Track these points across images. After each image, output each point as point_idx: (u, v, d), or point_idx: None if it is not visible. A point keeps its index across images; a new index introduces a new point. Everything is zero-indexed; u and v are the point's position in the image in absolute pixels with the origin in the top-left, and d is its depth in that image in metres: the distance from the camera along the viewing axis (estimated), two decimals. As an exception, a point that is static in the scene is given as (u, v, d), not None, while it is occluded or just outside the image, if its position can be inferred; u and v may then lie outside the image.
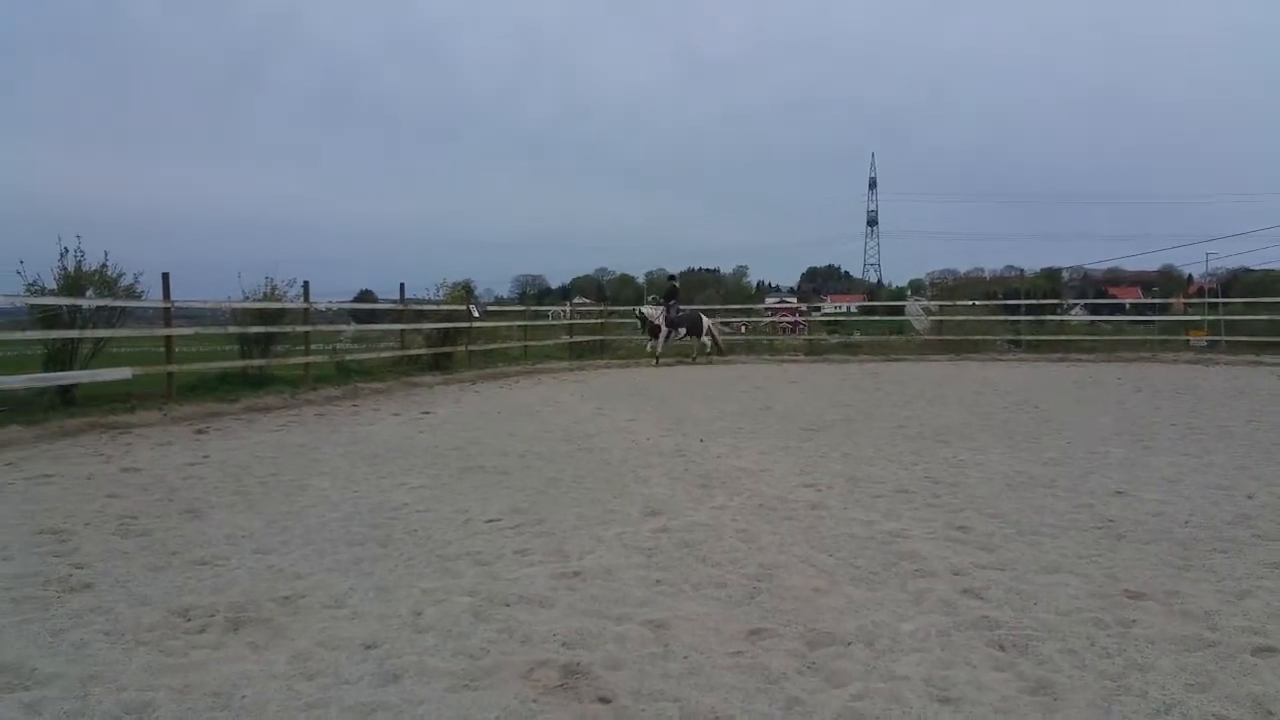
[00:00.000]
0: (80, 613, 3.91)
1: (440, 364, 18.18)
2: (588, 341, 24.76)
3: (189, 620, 3.81)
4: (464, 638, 3.59)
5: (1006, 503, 5.99)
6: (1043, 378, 17.20)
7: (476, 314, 19.60)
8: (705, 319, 23.70)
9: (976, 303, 26.83)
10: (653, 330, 22.72)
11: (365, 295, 39.73)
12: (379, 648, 3.48)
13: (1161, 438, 8.94)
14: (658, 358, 22.22)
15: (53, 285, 11.55)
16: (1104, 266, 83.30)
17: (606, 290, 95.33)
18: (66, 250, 11.62)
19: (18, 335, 11.44)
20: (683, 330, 22.83)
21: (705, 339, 23.41)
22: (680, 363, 23.01)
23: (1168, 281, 79.25)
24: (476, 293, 20.77)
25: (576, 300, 46.06)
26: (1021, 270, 36.39)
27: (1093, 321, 32.47)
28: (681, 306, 23.81)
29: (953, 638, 3.54)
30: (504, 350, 21.59)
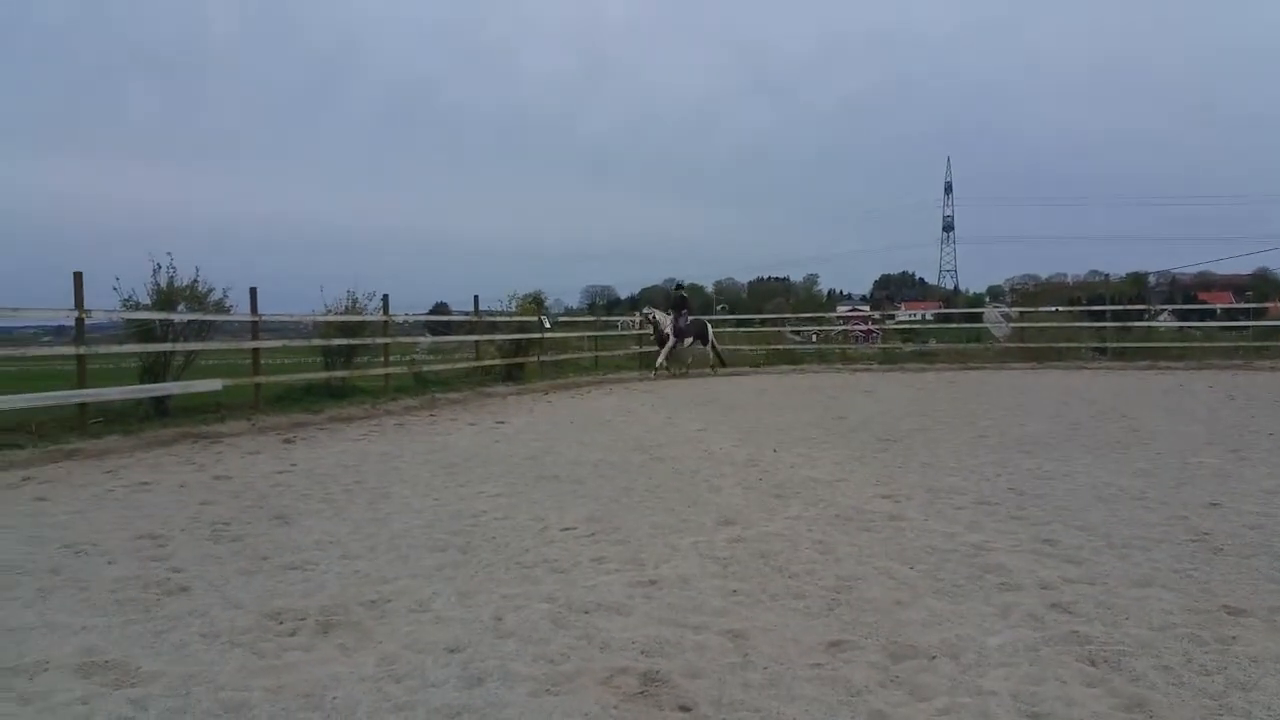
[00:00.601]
0: (179, 615, 4.08)
1: (513, 374, 18.43)
2: (657, 351, 24.77)
3: (281, 623, 3.94)
4: (544, 643, 3.64)
5: (1095, 515, 5.82)
6: (1130, 386, 16.66)
7: (548, 325, 19.80)
8: (709, 327, 23.00)
9: (1059, 309, 26.07)
10: (660, 339, 21.49)
11: (440, 308, 40.41)
12: (462, 652, 3.55)
13: (1258, 448, 8.58)
14: (657, 368, 21.14)
15: (147, 300, 12.04)
16: (1193, 270, 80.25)
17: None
18: (159, 267, 12.13)
19: (115, 349, 11.95)
20: (689, 339, 21.65)
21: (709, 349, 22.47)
22: (674, 377, 21.42)
23: (1263, 285, 75.85)
24: (547, 304, 20.97)
25: (645, 310, 46.20)
26: (1106, 275, 35.32)
27: (1181, 328, 31.28)
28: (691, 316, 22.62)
29: (1041, 653, 3.45)
30: (575, 360, 21.78)
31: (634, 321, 25.82)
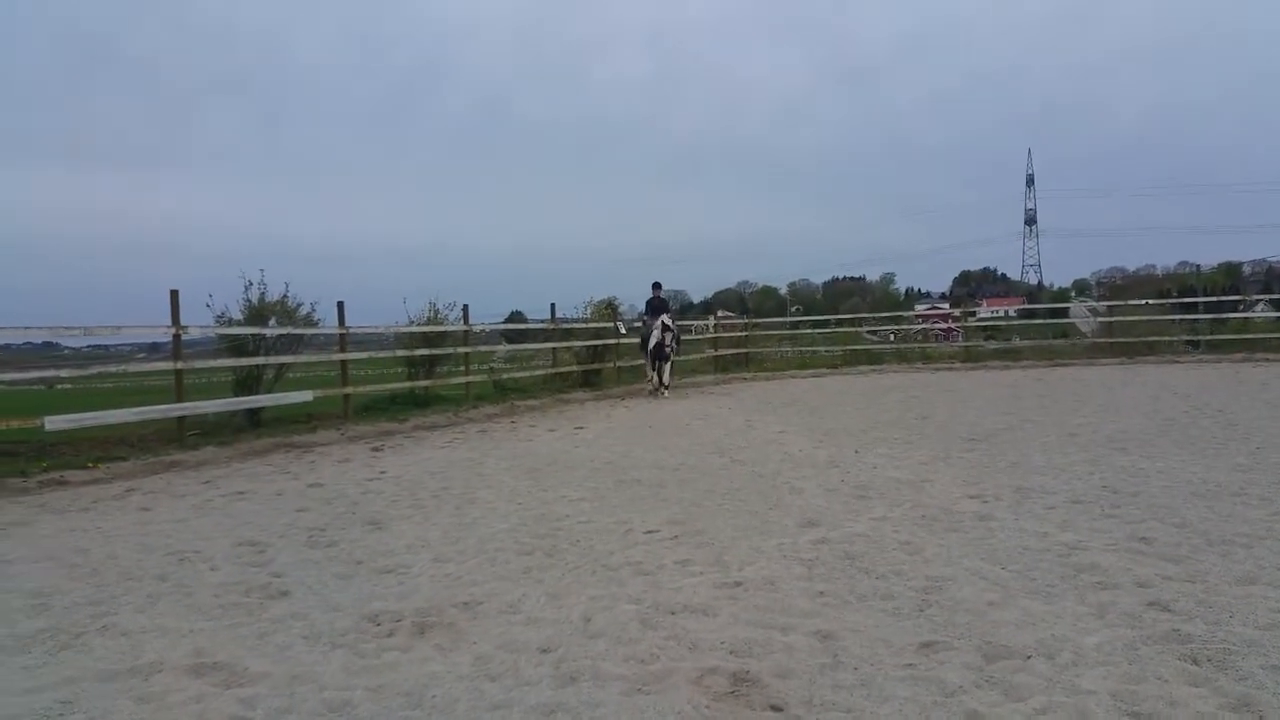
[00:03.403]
0: (281, 618, 4.24)
1: (590, 380, 18.59)
2: (732, 355, 24.74)
3: (378, 625, 4.07)
4: (633, 644, 3.68)
5: (1192, 512, 5.63)
6: (1226, 379, 15.99)
7: (623, 330, 19.91)
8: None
9: (1150, 301, 25.14)
10: (658, 352, 17.36)
11: (515, 316, 40.97)
12: (554, 652, 3.62)
13: (1370, 442, 8.17)
14: (665, 386, 17.55)
15: (239, 316, 12.51)
16: (1294, 258, 76.53)
17: (749, 303, 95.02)
18: (251, 283, 12.60)
19: (212, 364, 12.44)
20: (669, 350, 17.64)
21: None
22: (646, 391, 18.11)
23: (1369, 270, 72.00)
24: (621, 309, 21.00)
25: (720, 314, 46.09)
26: (1197, 266, 33.94)
27: (1279, 318, 29.83)
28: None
29: (1140, 651, 3.37)
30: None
31: (707, 326, 24.37)
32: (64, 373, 11.89)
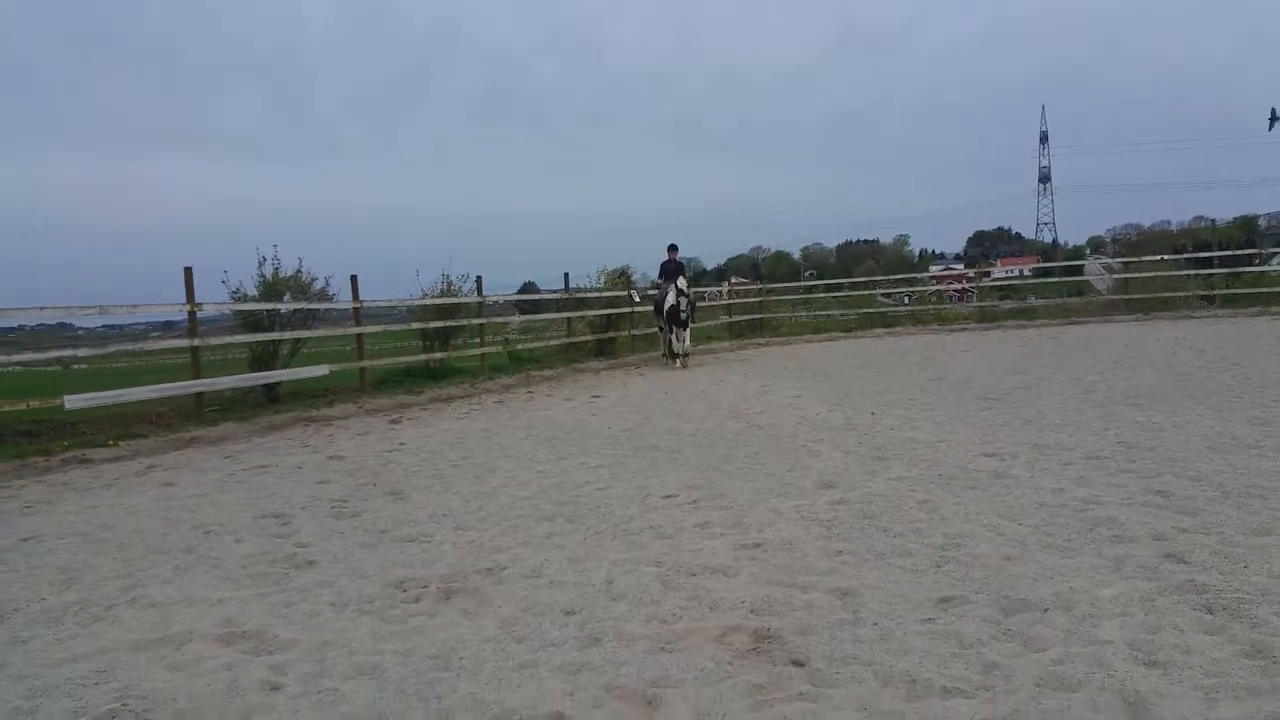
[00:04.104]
0: (308, 586, 4.32)
1: (604, 349, 18.61)
2: (746, 320, 24.71)
3: (404, 591, 4.14)
4: (655, 604, 3.74)
5: (1208, 465, 5.63)
6: (1241, 334, 15.88)
7: (637, 299, 19.89)
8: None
9: (1165, 258, 24.90)
10: (674, 316, 16.35)
11: (528, 287, 40.94)
12: (578, 614, 3.68)
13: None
14: (684, 354, 16.54)
15: (253, 292, 12.56)
16: (1311, 210, 75.58)
17: (762, 268, 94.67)
18: (264, 259, 12.64)
19: (228, 340, 12.53)
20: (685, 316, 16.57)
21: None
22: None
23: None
24: (634, 278, 20.90)
25: (734, 280, 46.01)
26: (1213, 220, 33.60)
27: (1294, 271, 29.50)
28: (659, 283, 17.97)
29: (1156, 602, 3.40)
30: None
31: (721, 292, 23.44)
32: (81, 352, 11.95)
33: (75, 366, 28.13)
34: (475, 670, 3.17)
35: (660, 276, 17.70)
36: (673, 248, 17.38)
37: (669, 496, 5.75)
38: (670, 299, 16.24)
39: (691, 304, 16.80)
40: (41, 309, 10.00)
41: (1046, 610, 3.39)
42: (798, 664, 3.07)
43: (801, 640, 3.26)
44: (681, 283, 16.29)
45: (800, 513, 5.11)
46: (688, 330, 16.54)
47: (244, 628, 3.77)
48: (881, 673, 2.94)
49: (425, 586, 4.17)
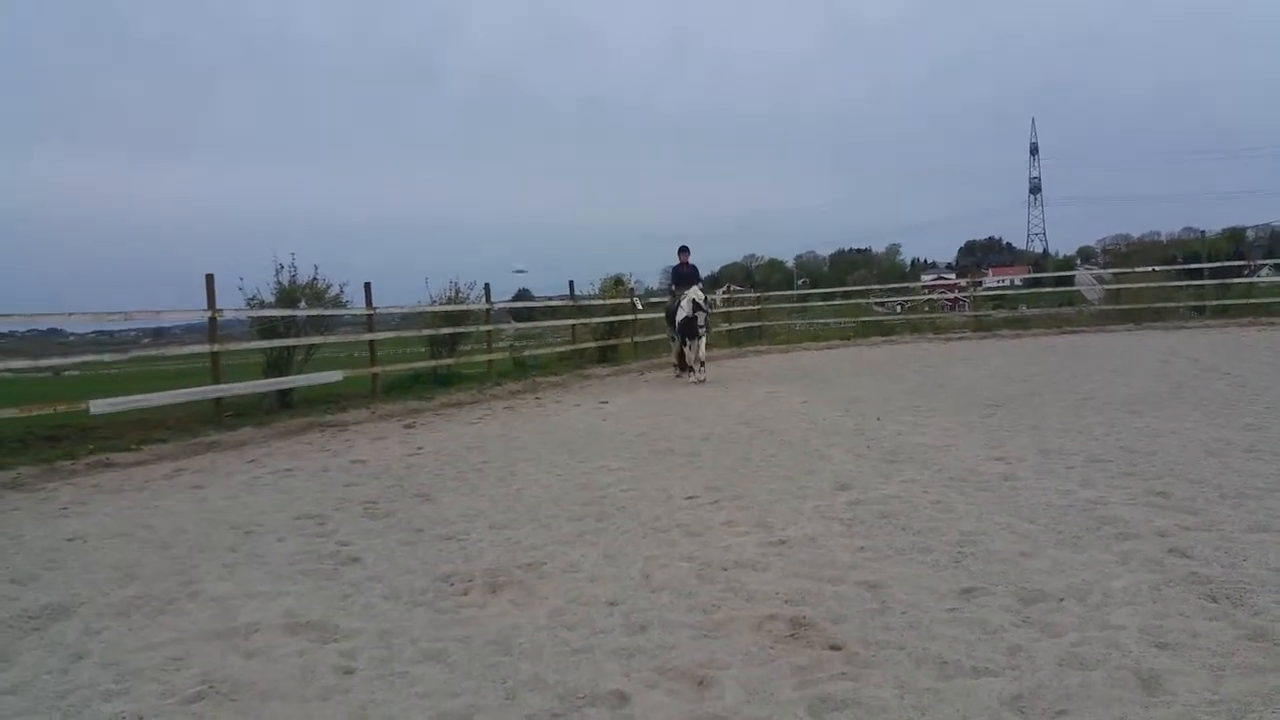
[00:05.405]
0: (358, 581, 4.55)
1: (607, 356, 18.87)
2: (744, 328, 24.98)
3: (452, 585, 4.37)
4: (693, 596, 3.98)
5: (1207, 468, 5.90)
6: (1233, 344, 16.23)
7: (639, 306, 20.16)
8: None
9: (1156, 268, 25.29)
10: (688, 328, 14.91)
11: (522, 294, 41.15)
12: (621, 605, 3.92)
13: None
14: (699, 365, 15.01)
15: (270, 299, 12.78)
16: (1297, 222, 76.24)
17: (756, 276, 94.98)
18: (282, 266, 12.88)
19: (247, 345, 12.74)
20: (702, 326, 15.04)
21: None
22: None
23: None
24: (630, 285, 21.13)
25: (730, 287, 46.23)
26: (1204, 232, 34.00)
27: (1283, 282, 29.86)
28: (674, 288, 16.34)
29: (1163, 592, 3.66)
30: (666, 340, 22.08)
31: (716, 300, 22.21)
32: (107, 357, 12.16)
33: (66, 374, 27.84)
34: (534, 654, 3.41)
35: (673, 283, 16.31)
36: (684, 249, 16.01)
37: (691, 497, 5.99)
38: (685, 310, 14.74)
39: (708, 315, 15.46)
40: (70, 315, 10.19)
41: (1062, 600, 3.65)
42: (835, 648, 3.31)
43: (836, 627, 3.51)
44: (698, 293, 14.93)
45: (820, 512, 5.36)
46: (703, 340, 15.02)
47: (307, 619, 4.00)
48: (914, 655, 3.19)
49: (471, 580, 4.40)
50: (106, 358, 12.27)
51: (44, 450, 9.32)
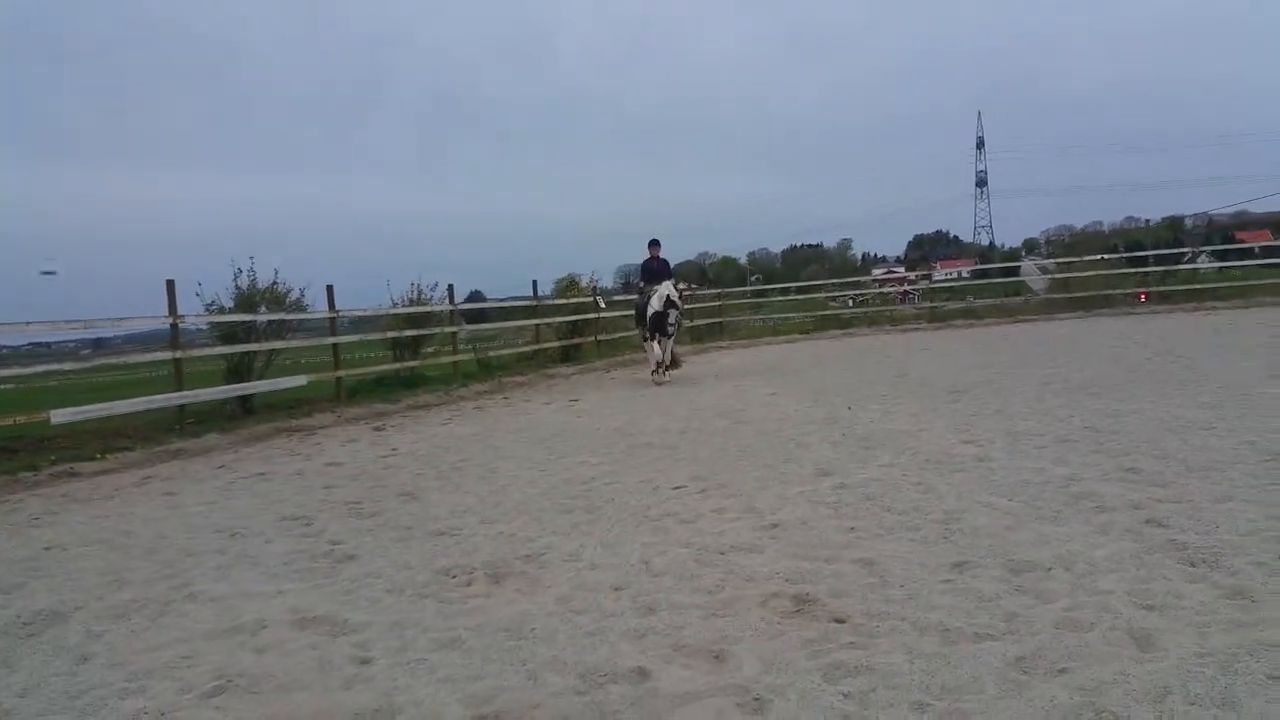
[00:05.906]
0: (358, 577, 4.57)
1: (570, 355, 18.91)
2: (706, 324, 25.17)
3: (454, 577, 4.42)
4: (696, 579, 4.08)
5: (1170, 444, 6.16)
6: (1180, 327, 16.78)
7: (603, 305, 20.20)
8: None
9: (1105, 257, 25.99)
10: (658, 324, 14.29)
11: (475, 296, 41.06)
12: (627, 589, 4.00)
13: (1321, 377, 8.81)
14: (665, 365, 14.53)
15: (229, 304, 12.59)
16: (1231, 210, 78.84)
17: (709, 273, 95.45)
18: (240, 271, 12.69)
19: (208, 351, 12.52)
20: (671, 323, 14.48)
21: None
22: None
23: (1303, 219, 74.38)
24: (582, 285, 21.07)
25: (681, 286, 46.45)
26: (1148, 221, 35.08)
27: (1221, 268, 30.91)
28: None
29: (1145, 559, 3.85)
30: (627, 339, 22.20)
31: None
32: (66, 366, 11.92)
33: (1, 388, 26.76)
34: (549, 638, 3.48)
35: (643, 278, 15.59)
36: (654, 243, 15.37)
37: (677, 488, 6.09)
38: (655, 305, 14.16)
39: (681, 312, 14.98)
40: (28, 325, 9.96)
41: (1050, 569, 3.81)
42: (840, 621, 3.44)
43: (838, 602, 3.63)
44: (671, 289, 14.23)
45: (806, 497, 5.49)
46: (671, 339, 14.59)
47: (313, 614, 4.02)
48: (917, 624, 3.32)
49: (472, 572, 4.45)
50: (67, 366, 11.99)
51: (2, 462, 9.13)
